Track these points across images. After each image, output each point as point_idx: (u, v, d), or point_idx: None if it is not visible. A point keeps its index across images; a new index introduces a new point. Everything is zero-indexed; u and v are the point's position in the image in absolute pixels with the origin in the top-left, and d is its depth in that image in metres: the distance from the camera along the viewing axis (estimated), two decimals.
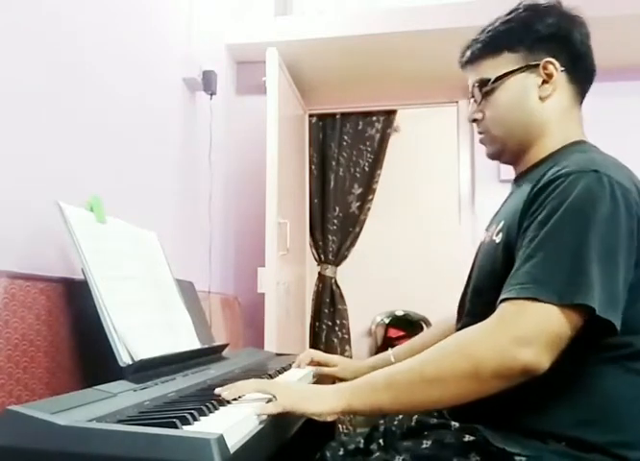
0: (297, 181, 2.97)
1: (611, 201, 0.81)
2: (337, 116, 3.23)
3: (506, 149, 1.04)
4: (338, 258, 3.23)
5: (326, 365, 1.30)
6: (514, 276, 0.83)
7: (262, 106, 2.42)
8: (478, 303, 0.98)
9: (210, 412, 0.81)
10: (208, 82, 2.23)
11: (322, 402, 0.83)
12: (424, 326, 3.36)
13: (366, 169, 3.25)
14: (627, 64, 2.71)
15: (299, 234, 2.92)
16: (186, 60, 2.13)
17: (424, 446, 0.90)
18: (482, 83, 1.03)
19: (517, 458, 0.81)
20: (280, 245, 2.40)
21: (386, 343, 3.47)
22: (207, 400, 0.85)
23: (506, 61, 1.00)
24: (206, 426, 0.73)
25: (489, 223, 1.09)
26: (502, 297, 0.82)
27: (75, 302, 1.18)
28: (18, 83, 1.17)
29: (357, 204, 3.24)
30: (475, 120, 1.07)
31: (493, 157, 1.08)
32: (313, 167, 3.26)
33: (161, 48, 1.95)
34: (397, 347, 1.32)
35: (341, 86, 2.95)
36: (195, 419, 0.75)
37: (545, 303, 0.78)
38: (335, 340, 3.15)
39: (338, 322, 3.19)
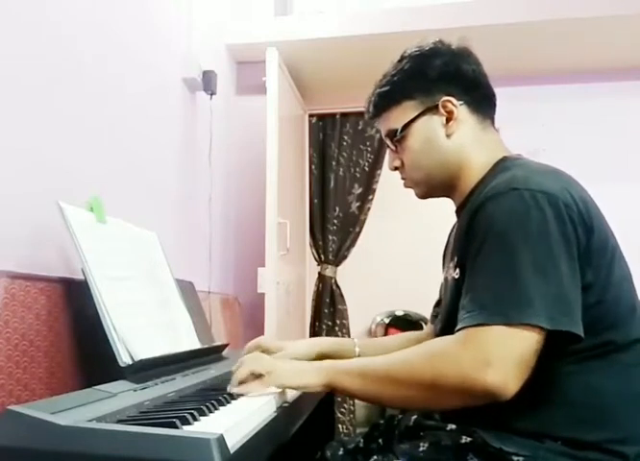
0: (297, 181, 2.97)
1: (536, 213, 0.82)
2: (337, 116, 3.23)
3: (432, 188, 1.08)
4: (338, 258, 3.22)
5: (268, 352, 1.13)
6: (462, 307, 0.85)
7: (262, 106, 2.42)
8: None
9: (210, 412, 0.81)
10: (208, 82, 2.23)
11: (306, 379, 0.92)
12: (424, 325, 3.36)
13: (366, 169, 3.24)
14: (626, 64, 2.72)
15: (299, 234, 2.92)
16: (186, 60, 2.13)
17: (421, 448, 0.90)
18: (391, 133, 1.06)
19: (515, 458, 0.81)
20: (280, 245, 2.40)
21: None
22: (207, 400, 0.85)
23: (408, 109, 1.04)
24: (206, 426, 0.73)
25: (443, 258, 1.12)
26: (456, 329, 0.84)
27: (75, 302, 1.18)
28: (18, 83, 1.17)
29: (357, 204, 3.23)
30: (396, 168, 1.10)
31: (423, 197, 1.11)
32: (313, 167, 3.26)
33: (161, 48, 1.95)
34: (363, 340, 1.28)
35: (341, 86, 2.95)
36: (195, 419, 0.75)
37: (496, 325, 0.79)
38: None
39: (338, 322, 3.18)
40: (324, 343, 1.22)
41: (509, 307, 0.79)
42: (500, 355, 0.77)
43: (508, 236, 0.82)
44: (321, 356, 1.16)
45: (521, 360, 0.78)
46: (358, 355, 1.19)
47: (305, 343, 1.21)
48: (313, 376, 0.92)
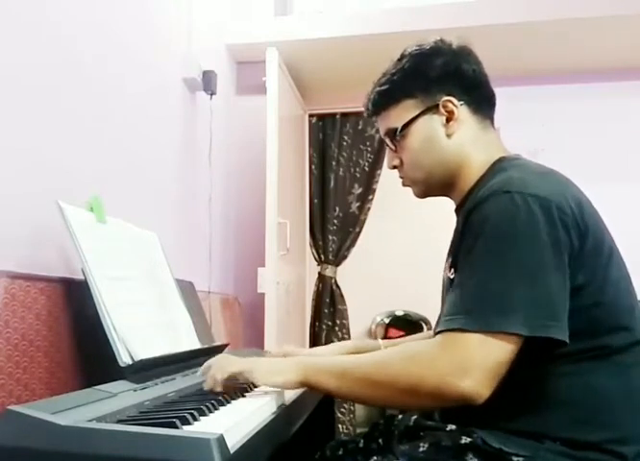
0: (297, 181, 2.97)
1: (527, 216, 0.82)
2: (337, 116, 3.23)
3: (430, 188, 1.07)
4: (338, 258, 3.22)
5: None
6: (446, 308, 0.85)
7: (262, 106, 2.42)
8: None
9: (210, 412, 0.81)
10: (208, 82, 2.23)
11: (281, 376, 0.90)
12: (424, 326, 3.36)
13: (366, 169, 3.24)
14: (626, 64, 2.72)
15: (299, 234, 2.92)
16: (186, 60, 2.13)
17: (421, 449, 0.90)
18: (391, 132, 1.06)
19: (514, 458, 0.81)
20: (280, 245, 2.40)
21: None
22: (207, 400, 0.85)
23: (408, 108, 1.03)
24: (206, 426, 0.73)
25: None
26: (437, 330, 0.84)
27: (75, 302, 1.18)
28: (17, 83, 1.17)
29: (357, 204, 3.23)
30: (394, 167, 1.09)
31: (421, 196, 1.10)
32: (313, 167, 3.26)
33: (161, 48, 1.95)
34: (389, 341, 1.31)
35: (341, 86, 2.94)
36: (195, 419, 0.76)
37: (475, 333, 0.79)
38: (335, 340, 3.14)
39: (338, 322, 3.18)
40: (350, 345, 1.26)
41: (490, 315, 0.79)
42: (477, 363, 0.78)
43: (497, 239, 0.82)
44: None
45: (497, 368, 0.79)
46: None
47: (334, 346, 1.24)
48: (289, 374, 0.90)
